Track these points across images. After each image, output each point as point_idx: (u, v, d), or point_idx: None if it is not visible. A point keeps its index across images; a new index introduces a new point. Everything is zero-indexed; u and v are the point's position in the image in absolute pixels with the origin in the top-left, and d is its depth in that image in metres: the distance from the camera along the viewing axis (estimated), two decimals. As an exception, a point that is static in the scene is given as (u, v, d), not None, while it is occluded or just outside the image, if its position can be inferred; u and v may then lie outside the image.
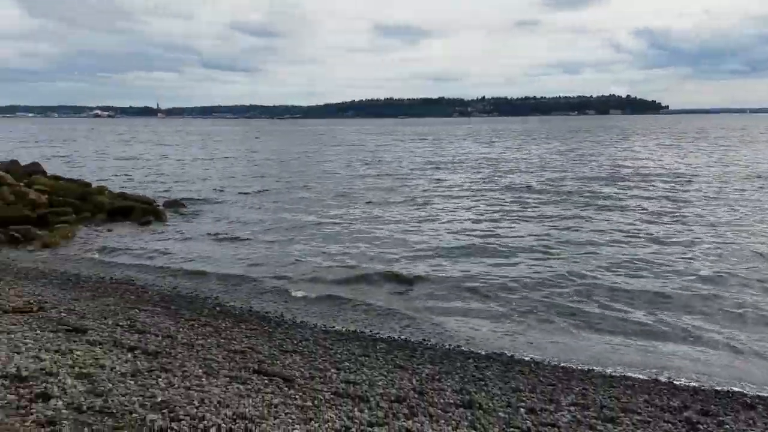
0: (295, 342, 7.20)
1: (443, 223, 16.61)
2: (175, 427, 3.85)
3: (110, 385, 4.51)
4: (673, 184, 24.41)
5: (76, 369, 4.83)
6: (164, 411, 4.10)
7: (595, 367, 7.23)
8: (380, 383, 5.74)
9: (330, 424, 4.37)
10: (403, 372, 6.37)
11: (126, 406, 4.11)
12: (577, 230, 15.20)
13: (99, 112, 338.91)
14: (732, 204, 19.14)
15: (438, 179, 28.22)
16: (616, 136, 74.94)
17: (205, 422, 3.98)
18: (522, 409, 5.47)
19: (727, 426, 5.50)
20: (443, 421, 4.85)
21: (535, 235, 14.61)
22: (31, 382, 4.34)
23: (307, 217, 17.46)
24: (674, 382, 6.82)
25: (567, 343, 8.09)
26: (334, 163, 38.17)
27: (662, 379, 6.91)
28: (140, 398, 4.29)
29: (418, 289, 10.26)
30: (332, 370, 6.01)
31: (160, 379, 4.85)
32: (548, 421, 5.23)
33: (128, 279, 10.64)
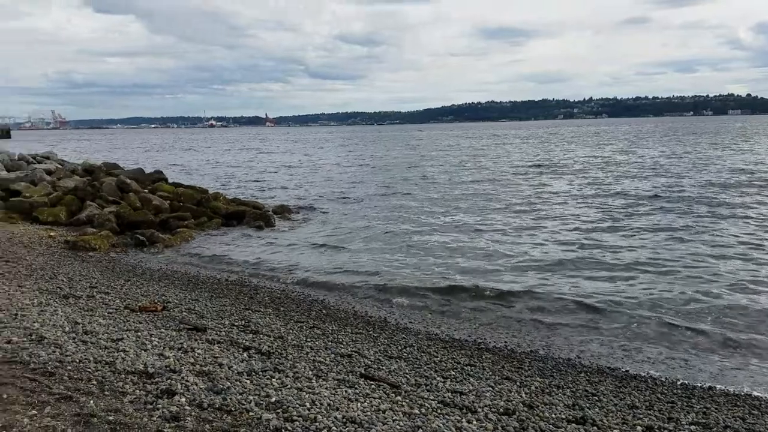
0: (400, 348, 7.21)
1: (547, 232, 15.97)
2: (289, 428, 3.94)
3: (228, 383, 4.71)
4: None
5: (197, 367, 5.11)
6: (278, 411, 4.23)
7: (717, 385, 6.71)
8: (488, 394, 5.61)
9: (438, 433, 4.32)
10: (511, 384, 6.20)
11: (243, 404, 4.28)
12: (694, 242, 14.13)
13: (213, 122, 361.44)
14: None
15: (542, 184, 27.41)
16: (737, 138, 69.21)
17: (317, 424, 4.06)
18: (639, 427, 5.16)
19: None
20: (555, 438, 4.66)
21: (648, 247, 13.73)
22: (156, 379, 4.63)
23: (407, 224, 17.48)
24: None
25: (685, 359, 7.56)
26: (434, 169, 38.13)
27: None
28: (256, 397, 4.45)
29: (522, 301, 9.93)
30: (438, 379, 5.95)
31: (273, 379, 5.02)
32: (670, 443, 4.88)
33: (241, 281, 11.16)
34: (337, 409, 4.42)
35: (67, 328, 5.96)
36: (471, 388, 5.78)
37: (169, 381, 4.57)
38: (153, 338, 6.02)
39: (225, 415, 4.06)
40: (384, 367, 6.16)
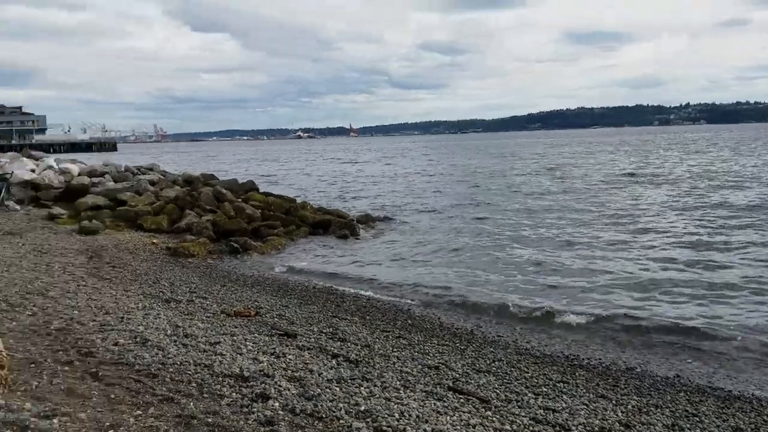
0: (488, 362, 7.07)
1: (642, 246, 15.04)
2: (378, 438, 3.96)
3: (319, 389, 4.79)
4: None
5: (289, 372, 5.23)
6: (368, 420, 4.25)
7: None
8: (582, 412, 5.39)
9: (531, 452, 4.19)
10: (606, 402, 5.93)
11: (333, 411, 4.33)
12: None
13: (300, 133, 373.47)
14: None
15: (636, 195, 26.15)
16: None
17: (407, 436, 4.04)
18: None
19: None
20: (657, 463, 4.39)
21: (753, 264, 12.68)
22: (251, 383, 4.78)
23: (491, 237, 17.08)
24: None
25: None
26: (520, 178, 37.37)
27: None
28: (345, 405, 4.49)
29: (616, 318, 9.42)
30: (529, 395, 5.78)
31: (362, 388, 5.05)
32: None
33: (328, 289, 11.37)
34: (426, 422, 4.39)
35: (168, 331, 6.29)
36: (564, 405, 5.58)
37: (263, 385, 4.71)
38: (247, 342, 6.24)
39: (316, 422, 4.12)
40: (472, 381, 6.06)
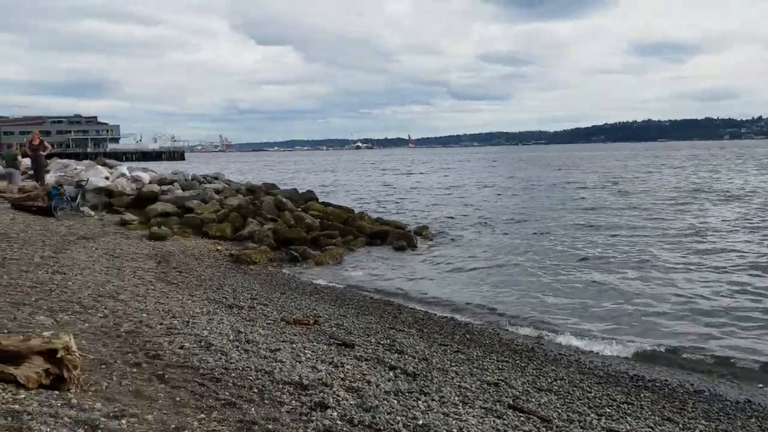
0: (549, 380, 6.89)
1: (712, 270, 13.94)
2: (437, 454, 3.90)
3: (376, 401, 4.78)
4: None
5: (347, 382, 5.25)
6: (426, 435, 4.20)
7: None
8: (648, 437, 5.17)
9: (594, 476, 4.04)
10: (672, 425, 5.69)
11: (391, 424, 4.30)
12: None
13: (360, 144, 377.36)
14: None
15: (705, 213, 24.96)
16: None
17: (466, 453, 3.97)
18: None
19: None
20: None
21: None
22: (310, 391, 4.81)
23: (551, 255, 16.37)
24: None
25: None
26: (581, 192, 36.40)
27: None
28: (403, 418, 4.46)
29: (685, 344, 9.01)
30: (592, 415, 5.59)
31: (419, 402, 5.01)
32: None
33: (386, 300, 11.38)
34: (486, 439, 4.30)
35: (231, 337, 6.43)
36: (629, 427, 5.38)
37: (321, 394, 4.74)
38: (306, 351, 6.30)
39: (374, 434, 4.11)
40: (533, 399, 5.91)
